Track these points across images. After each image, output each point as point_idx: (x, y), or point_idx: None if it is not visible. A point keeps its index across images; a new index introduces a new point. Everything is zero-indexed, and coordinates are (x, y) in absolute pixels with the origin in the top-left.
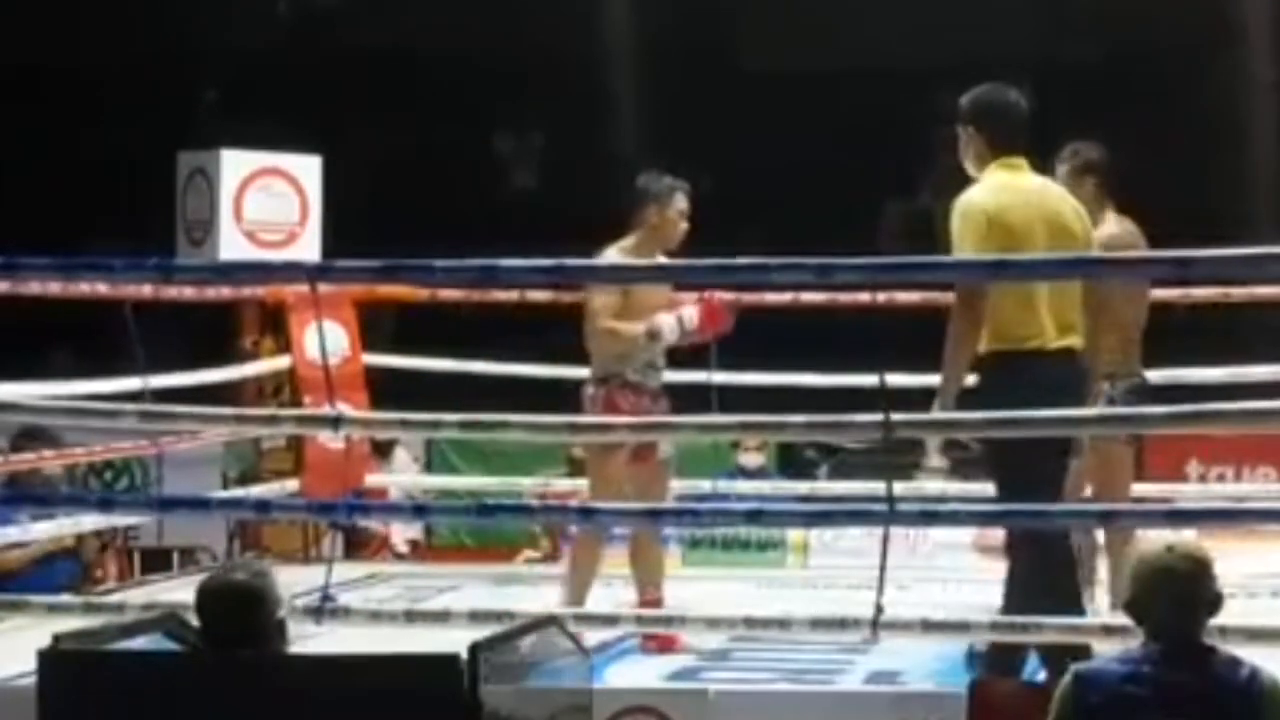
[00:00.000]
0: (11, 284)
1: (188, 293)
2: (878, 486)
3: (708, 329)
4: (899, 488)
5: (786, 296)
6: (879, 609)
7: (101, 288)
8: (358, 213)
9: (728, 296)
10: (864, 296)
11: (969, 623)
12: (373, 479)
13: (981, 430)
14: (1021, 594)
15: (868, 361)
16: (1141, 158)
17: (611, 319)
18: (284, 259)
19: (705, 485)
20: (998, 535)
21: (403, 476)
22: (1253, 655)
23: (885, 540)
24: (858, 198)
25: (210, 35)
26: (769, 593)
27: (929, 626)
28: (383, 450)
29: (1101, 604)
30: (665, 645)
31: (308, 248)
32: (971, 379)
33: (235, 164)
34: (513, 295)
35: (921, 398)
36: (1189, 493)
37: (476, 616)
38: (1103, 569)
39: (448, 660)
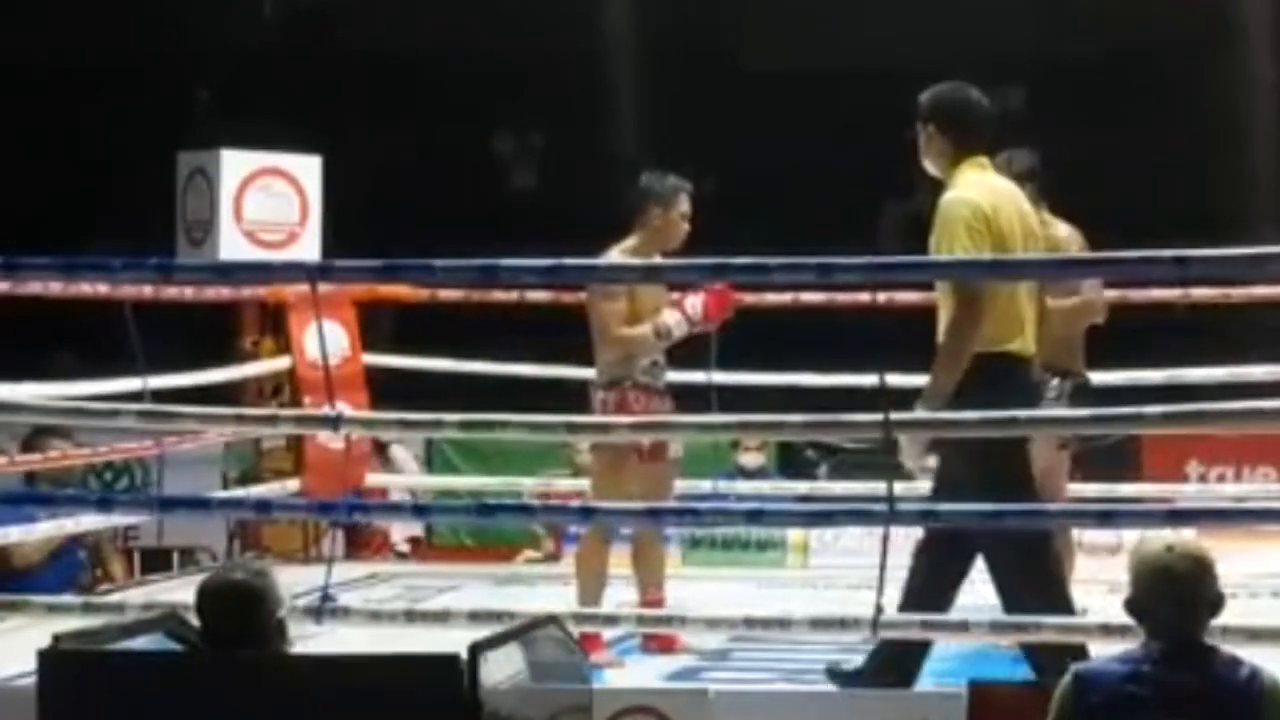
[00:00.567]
0: (12, 284)
1: (188, 293)
2: (878, 486)
3: (714, 316)
4: (899, 488)
5: (786, 296)
6: (879, 609)
7: (102, 288)
8: (358, 213)
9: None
10: (864, 296)
11: (969, 623)
12: (373, 479)
13: (981, 430)
14: (1015, 596)
15: (868, 361)
16: (1141, 158)
17: (621, 326)
18: (284, 259)
19: (705, 485)
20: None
21: (403, 477)
22: (1253, 655)
23: (885, 540)
24: (858, 198)
25: (211, 34)
26: (769, 593)
27: (929, 626)
28: (380, 449)
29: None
30: (665, 645)
31: (308, 248)
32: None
33: (235, 164)
34: (513, 295)
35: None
36: (1189, 493)
37: (476, 616)
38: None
39: (448, 660)
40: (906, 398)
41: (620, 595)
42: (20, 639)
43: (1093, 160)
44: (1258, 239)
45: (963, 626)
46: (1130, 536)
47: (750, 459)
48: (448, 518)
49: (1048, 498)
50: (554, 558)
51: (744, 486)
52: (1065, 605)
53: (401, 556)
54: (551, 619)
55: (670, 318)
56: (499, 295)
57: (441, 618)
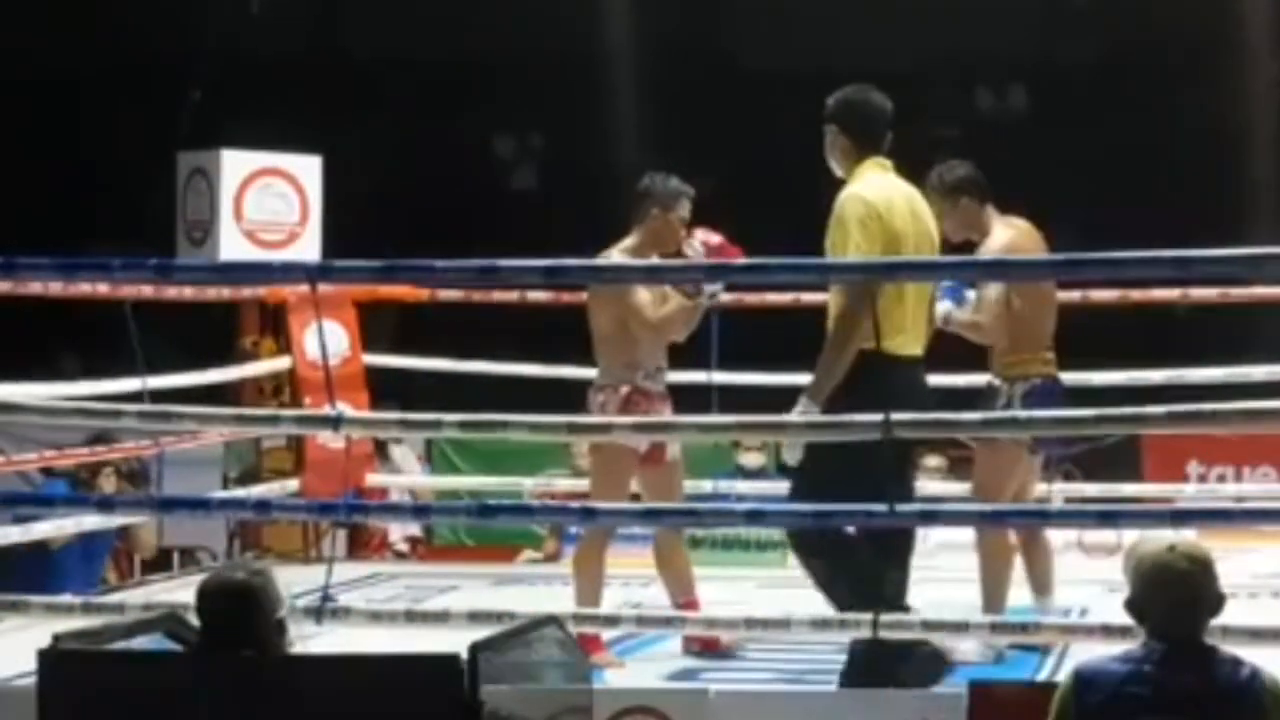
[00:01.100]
0: (12, 285)
1: (188, 293)
2: None
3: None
4: None
5: (787, 296)
6: (879, 609)
7: (102, 288)
8: (358, 213)
9: (715, 239)
10: None
11: (969, 623)
12: (374, 478)
13: (980, 430)
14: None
15: None
16: (1141, 158)
17: (653, 312)
18: (284, 259)
19: (705, 485)
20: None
21: (404, 477)
22: (1254, 656)
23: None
24: None
25: (210, 34)
26: (769, 593)
27: (929, 626)
28: (380, 449)
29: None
30: (710, 646)
31: (308, 248)
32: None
33: (235, 164)
34: (513, 296)
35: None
36: (1189, 493)
37: (476, 616)
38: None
39: (448, 660)
40: None
41: (618, 595)
42: (20, 639)
43: (1093, 160)
44: (1258, 239)
45: (963, 627)
46: (1130, 537)
47: (750, 459)
48: (448, 518)
49: (986, 493)
50: (554, 558)
51: (744, 486)
52: (876, 602)
53: (401, 556)
54: (551, 619)
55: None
56: (499, 295)
57: (441, 618)
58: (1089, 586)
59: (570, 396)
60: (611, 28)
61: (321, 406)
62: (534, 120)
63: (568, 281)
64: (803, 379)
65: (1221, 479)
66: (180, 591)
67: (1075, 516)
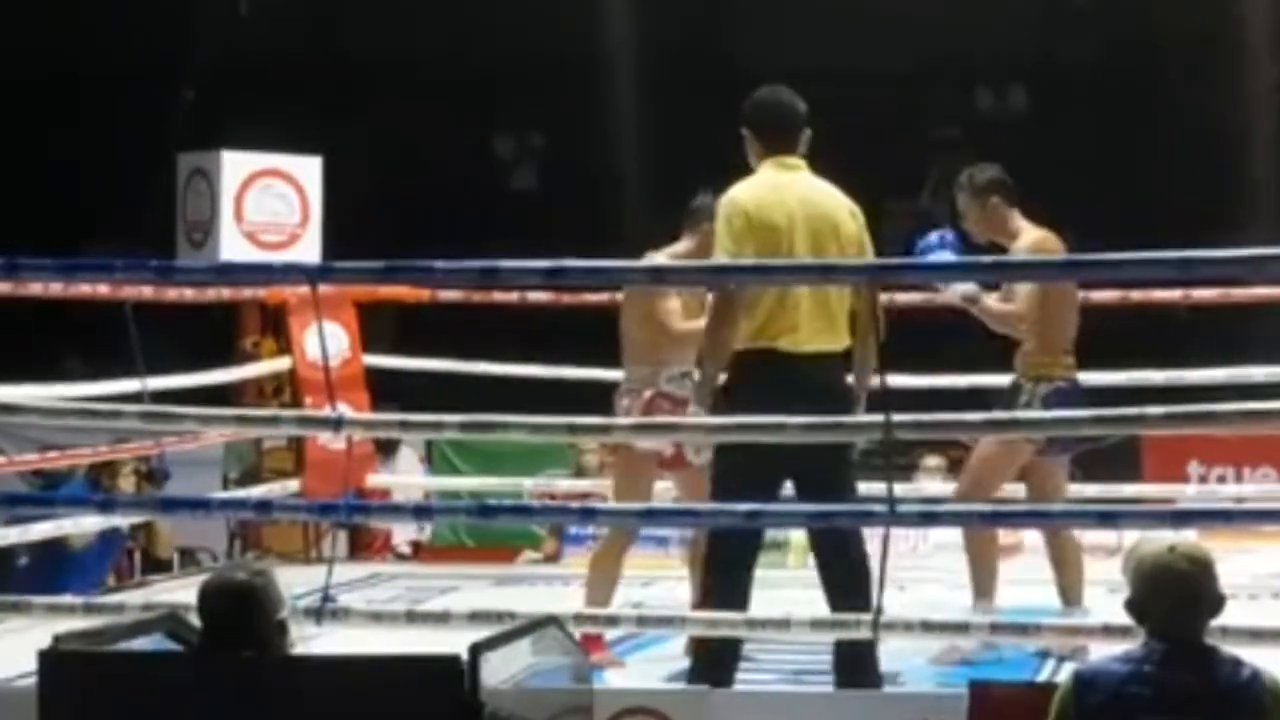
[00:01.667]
0: (13, 286)
1: (188, 294)
2: (878, 486)
3: None
4: (899, 488)
5: None
6: (879, 609)
7: (102, 289)
8: (358, 213)
9: None
10: None
11: (969, 623)
12: (375, 479)
13: (979, 430)
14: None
15: None
16: (1141, 158)
17: (681, 321)
18: (284, 260)
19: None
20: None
21: (405, 478)
22: (1254, 656)
23: (885, 541)
24: (859, 198)
25: (210, 35)
26: (769, 593)
27: (929, 626)
28: (387, 450)
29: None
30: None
31: (308, 249)
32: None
33: (235, 165)
34: (513, 296)
35: (923, 398)
36: (1189, 493)
37: (476, 617)
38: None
39: (448, 660)
40: (907, 398)
41: (619, 595)
42: (20, 639)
43: (1093, 160)
44: (1258, 239)
45: (963, 627)
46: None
47: None
48: (448, 518)
49: (973, 492)
50: (554, 558)
51: None
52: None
53: (402, 558)
54: (552, 619)
55: None
56: (499, 296)
57: (442, 618)
58: (1089, 587)
59: (570, 396)
60: (611, 28)
61: (322, 407)
62: (534, 120)
63: (568, 282)
64: None
65: (1222, 479)
66: (181, 592)
67: (1075, 517)
